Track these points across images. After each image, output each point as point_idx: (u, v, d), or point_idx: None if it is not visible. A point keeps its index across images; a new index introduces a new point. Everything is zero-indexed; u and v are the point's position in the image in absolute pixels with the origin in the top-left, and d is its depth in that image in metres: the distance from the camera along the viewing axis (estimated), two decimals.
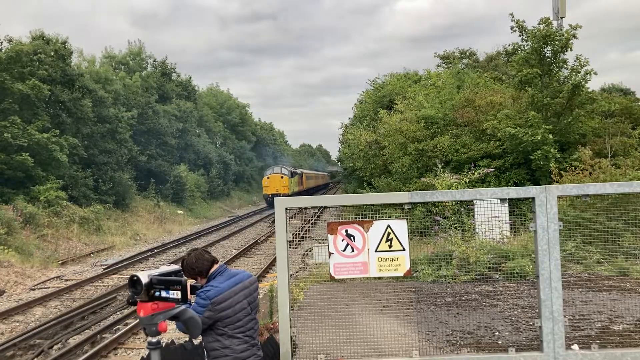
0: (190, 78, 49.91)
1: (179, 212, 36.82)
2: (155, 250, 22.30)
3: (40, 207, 22.48)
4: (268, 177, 43.69)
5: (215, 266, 3.93)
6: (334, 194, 63.44)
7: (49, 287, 15.75)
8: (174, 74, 47.38)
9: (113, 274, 17.46)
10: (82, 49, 38.34)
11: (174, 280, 3.09)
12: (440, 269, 9.10)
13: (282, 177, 43.13)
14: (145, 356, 5.73)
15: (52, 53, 28.01)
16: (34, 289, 15.68)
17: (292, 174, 46.04)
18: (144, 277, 3.09)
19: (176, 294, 3.06)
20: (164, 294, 3.08)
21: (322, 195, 58.12)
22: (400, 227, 4.67)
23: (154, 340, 3.17)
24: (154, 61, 46.13)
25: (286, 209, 4.75)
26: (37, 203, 22.64)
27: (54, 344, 10.13)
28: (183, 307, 3.16)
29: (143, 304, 3.11)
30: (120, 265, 18.72)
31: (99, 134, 30.35)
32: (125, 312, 12.05)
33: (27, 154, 22.95)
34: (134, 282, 3.10)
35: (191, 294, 3.67)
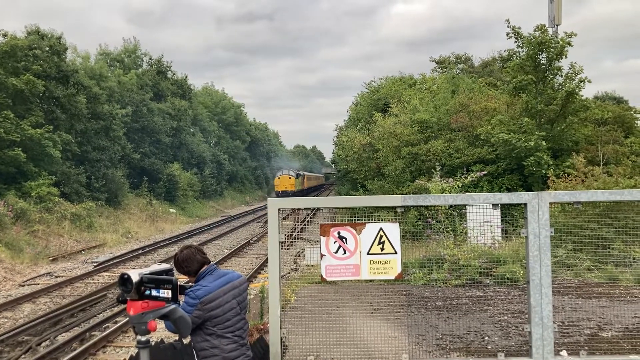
0: (186, 77, 49.76)
1: (172, 210, 36.70)
2: (147, 249, 22.23)
3: (31, 202, 22.34)
4: (279, 178, 53.28)
5: (206, 266, 3.93)
6: (327, 195, 63.81)
7: (38, 284, 15.65)
8: (170, 72, 47.21)
9: (104, 271, 17.38)
10: (76, 46, 38.13)
11: (164, 279, 3.08)
12: (432, 273, 9.12)
13: (289, 178, 52.64)
14: (134, 355, 5.71)
15: (47, 48, 27.85)
16: (23, 285, 15.58)
17: (297, 176, 55.38)
18: (135, 276, 3.08)
19: (166, 293, 3.05)
20: (154, 292, 3.07)
21: (316, 196, 58.48)
22: (393, 230, 4.67)
23: (144, 339, 3.15)
24: (150, 59, 45.98)
25: (279, 209, 4.73)
26: (28, 199, 22.50)
27: (42, 341, 10.06)
28: (173, 306, 3.15)
29: (133, 303, 3.09)
30: (111, 262, 18.64)
31: (92, 130, 30.19)
32: (115, 310, 12.00)
33: (20, 149, 22.81)
34: (124, 280, 3.08)
35: (180, 293, 3.66)
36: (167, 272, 3.24)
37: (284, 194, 49.93)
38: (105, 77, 36.09)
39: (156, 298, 3.08)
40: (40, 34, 28.39)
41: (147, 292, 3.08)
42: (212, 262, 4.05)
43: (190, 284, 3.89)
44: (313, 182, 72.77)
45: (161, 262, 18.04)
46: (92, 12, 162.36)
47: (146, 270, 3.17)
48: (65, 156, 26.78)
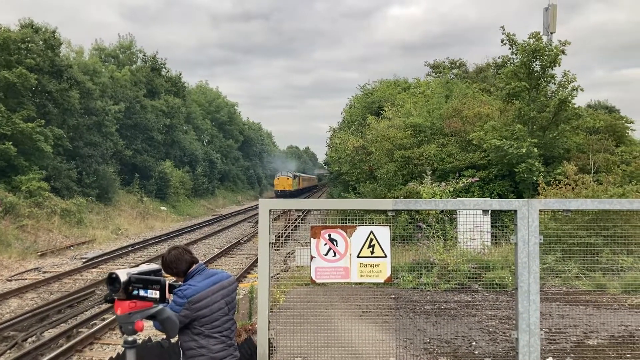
0: (180, 74, 49.56)
1: (162, 208, 36.57)
2: (137, 246, 22.13)
3: (21, 197, 22.17)
4: (278, 178, 59.99)
5: (194, 266, 3.92)
6: (319, 197, 64.05)
7: (26, 279, 15.54)
8: (164, 70, 47.02)
9: (92, 267, 17.29)
10: (70, 40, 37.87)
11: (152, 279, 3.07)
12: (421, 277, 9.13)
13: (288, 178, 59.51)
14: (120, 353, 5.67)
15: (41, 42, 27.67)
16: (11, 280, 15.46)
17: (295, 177, 62.38)
18: (123, 275, 3.06)
19: (154, 294, 3.04)
20: (142, 292, 3.05)
21: (308, 197, 58.79)
22: (383, 233, 4.67)
23: (130, 339, 3.14)
24: (144, 55, 45.74)
25: (270, 210, 4.72)
26: (18, 193, 22.33)
27: (28, 337, 10.00)
28: (160, 306, 3.14)
29: (120, 302, 3.08)
30: (100, 259, 18.54)
31: (84, 126, 30.02)
32: (103, 306, 11.94)
33: (10, 142, 22.63)
34: (112, 279, 3.07)
35: (169, 292, 3.64)
36: (156, 272, 3.23)
37: (282, 192, 56.81)
38: (99, 72, 35.89)
39: (144, 298, 3.06)
40: (34, 28, 28.20)
41: (135, 292, 3.06)
42: (201, 262, 4.04)
43: (179, 283, 3.87)
44: (307, 183, 76.79)
45: (150, 260, 17.98)
46: (86, 6, 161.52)
47: (134, 270, 3.16)
48: (56, 151, 26.61)
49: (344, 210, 5.10)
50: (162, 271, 3.43)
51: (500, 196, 19.07)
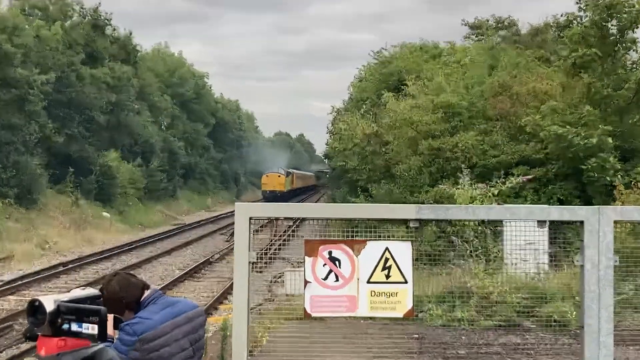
0: (131, 34, 49.61)
1: (105, 214, 36.59)
2: (70, 265, 22.14)
3: None
4: (267, 176, 63.50)
5: (147, 292, 3.90)
6: (317, 201, 64.03)
7: None
8: (109, 28, 47.03)
9: (10, 294, 17.27)
10: None
11: (89, 309, 3.06)
12: (454, 310, 9.15)
13: (279, 176, 62.84)
14: None
15: None
16: None
17: (287, 174, 65.83)
18: (49, 303, 3.05)
19: (92, 329, 3.03)
20: (75, 327, 3.04)
21: (302, 202, 58.46)
22: (403, 251, 4.67)
23: None
24: (82, 9, 45.71)
25: (250, 218, 4.71)
26: None
27: None
28: (101, 345, 3.13)
29: (46, 339, 3.06)
30: (20, 282, 18.53)
31: (1, 102, 29.99)
32: (23, 346, 11.92)
33: None
34: (34, 308, 3.05)
35: (114, 327, 3.63)
36: (94, 299, 3.22)
37: (272, 194, 59.10)
38: (21, 29, 35.81)
39: (77, 334, 3.05)
40: None
41: (66, 325, 3.05)
42: (155, 287, 4.03)
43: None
44: (302, 183, 77.80)
45: (88, 285, 17.95)
46: None
47: (65, 297, 3.15)
48: None
49: (351, 220, 5.11)
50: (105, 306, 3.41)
51: (561, 203, 19.08)
